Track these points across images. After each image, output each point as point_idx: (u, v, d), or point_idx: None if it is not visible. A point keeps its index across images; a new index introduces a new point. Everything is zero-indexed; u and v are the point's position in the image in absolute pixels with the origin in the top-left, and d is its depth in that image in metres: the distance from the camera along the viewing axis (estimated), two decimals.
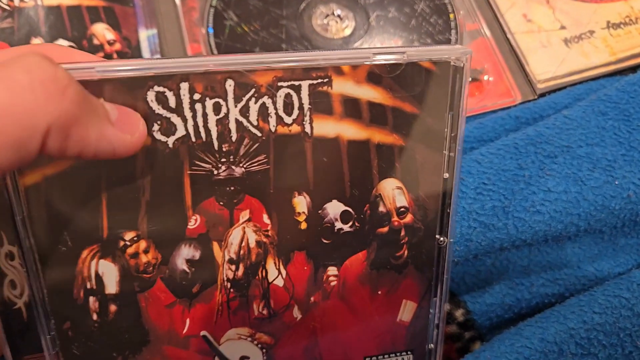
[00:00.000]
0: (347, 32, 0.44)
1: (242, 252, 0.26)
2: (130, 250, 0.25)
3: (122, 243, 0.25)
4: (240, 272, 0.26)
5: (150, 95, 0.23)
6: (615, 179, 0.32)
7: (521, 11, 0.43)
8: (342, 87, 0.25)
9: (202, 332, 0.27)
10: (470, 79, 0.43)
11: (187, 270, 0.26)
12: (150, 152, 0.24)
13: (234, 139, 0.25)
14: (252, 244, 0.26)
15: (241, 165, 0.25)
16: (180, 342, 0.26)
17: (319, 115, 0.25)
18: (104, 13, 0.42)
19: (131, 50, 0.42)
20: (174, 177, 0.25)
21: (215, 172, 0.25)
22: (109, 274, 0.25)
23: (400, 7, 0.44)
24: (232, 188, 0.25)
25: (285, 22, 0.44)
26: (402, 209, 0.27)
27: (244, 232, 0.26)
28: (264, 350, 0.27)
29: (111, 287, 0.25)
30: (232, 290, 0.26)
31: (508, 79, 0.42)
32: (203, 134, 0.25)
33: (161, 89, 0.23)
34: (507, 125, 0.39)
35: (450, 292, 0.35)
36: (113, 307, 0.26)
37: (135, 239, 0.25)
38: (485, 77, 0.42)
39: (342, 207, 0.26)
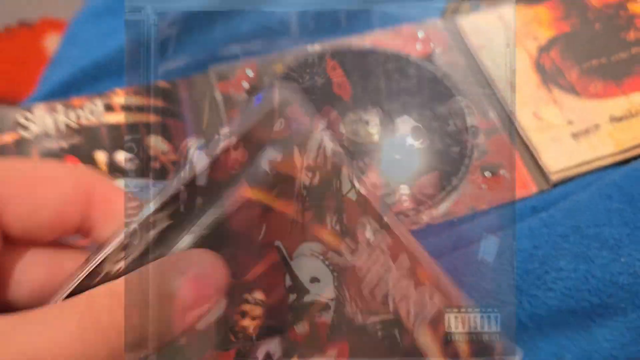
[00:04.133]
0: (375, 138, 0.48)
1: (319, 159, 0.25)
2: (223, 145, 0.25)
3: (216, 136, 0.25)
4: (316, 180, 0.25)
5: None
6: (622, 257, 0.35)
7: (531, 110, 0.47)
8: None
9: (276, 242, 0.25)
10: (490, 174, 0.47)
11: (269, 171, 0.25)
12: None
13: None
14: (329, 152, 0.25)
15: (321, 77, 0.25)
16: (255, 251, 0.25)
17: None
18: (159, 127, 0.48)
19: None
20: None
21: (301, 80, 0.25)
22: (201, 164, 0.24)
23: (421, 111, 0.48)
24: (314, 97, 0.25)
25: None
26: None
27: (322, 139, 0.25)
28: (335, 275, 0.25)
29: (201, 179, 0.24)
30: (307, 198, 0.25)
31: (523, 173, 0.45)
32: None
33: None
34: (524, 216, 0.41)
35: None
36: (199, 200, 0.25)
37: (228, 135, 0.25)
38: (502, 172, 0.45)
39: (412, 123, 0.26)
